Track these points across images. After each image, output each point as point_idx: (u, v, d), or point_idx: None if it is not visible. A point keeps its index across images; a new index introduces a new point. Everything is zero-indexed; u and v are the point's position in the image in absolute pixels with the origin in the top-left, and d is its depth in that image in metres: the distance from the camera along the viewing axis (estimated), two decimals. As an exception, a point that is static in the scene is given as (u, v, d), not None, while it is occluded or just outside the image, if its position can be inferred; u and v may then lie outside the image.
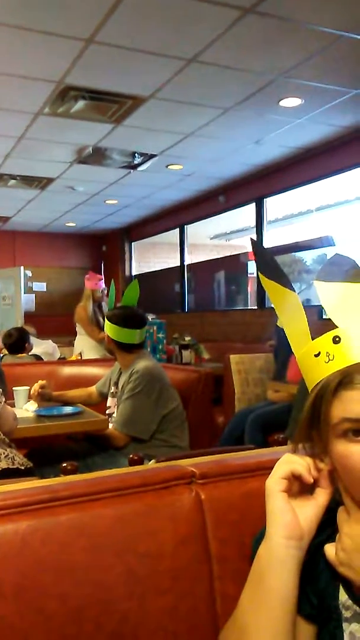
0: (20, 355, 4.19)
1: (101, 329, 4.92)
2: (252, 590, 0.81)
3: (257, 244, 0.94)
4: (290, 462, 0.81)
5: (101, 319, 4.97)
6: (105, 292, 5.06)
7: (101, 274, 5.20)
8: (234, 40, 3.10)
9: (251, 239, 0.96)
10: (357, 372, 0.75)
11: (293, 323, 0.85)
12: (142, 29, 3.01)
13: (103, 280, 5.14)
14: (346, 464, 0.76)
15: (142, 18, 2.90)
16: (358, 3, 2.78)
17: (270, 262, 0.90)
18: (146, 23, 2.95)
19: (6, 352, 4.28)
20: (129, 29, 3.01)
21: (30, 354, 4.32)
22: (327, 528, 0.82)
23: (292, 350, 0.84)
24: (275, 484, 0.80)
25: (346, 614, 0.79)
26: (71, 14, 2.85)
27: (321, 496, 0.81)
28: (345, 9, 2.83)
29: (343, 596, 0.80)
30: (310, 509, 0.81)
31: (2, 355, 4.35)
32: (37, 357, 4.36)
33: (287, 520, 0.79)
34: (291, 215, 7.26)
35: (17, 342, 4.18)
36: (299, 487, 0.81)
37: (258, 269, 0.91)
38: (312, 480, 0.80)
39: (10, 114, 4.19)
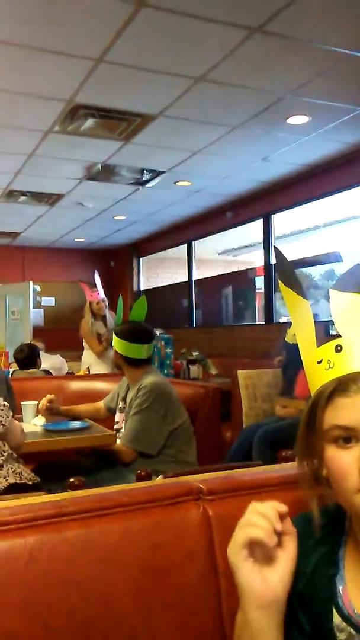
0: (30, 370, 4.21)
1: (100, 341, 4.90)
2: None
3: (279, 252, 0.96)
4: (248, 526, 0.76)
5: (101, 332, 4.93)
6: (106, 303, 5.01)
7: (99, 288, 5.03)
8: (242, 59, 3.14)
9: (275, 248, 1.02)
10: (353, 380, 0.76)
11: (303, 331, 0.87)
12: (151, 49, 3.06)
13: (99, 292, 5.02)
14: (332, 469, 0.77)
15: (151, 38, 2.95)
16: (364, 23, 2.82)
17: (290, 271, 0.92)
18: (155, 43, 3.00)
19: (16, 367, 4.30)
20: (138, 49, 3.06)
21: (40, 369, 4.34)
22: (319, 546, 0.82)
23: (302, 357, 0.85)
24: (236, 555, 0.76)
25: (340, 636, 0.78)
26: (81, 33, 2.91)
27: (290, 544, 0.78)
28: (352, 29, 2.87)
29: (337, 619, 0.79)
30: (280, 566, 0.77)
31: (11, 370, 4.37)
32: (47, 372, 4.38)
33: (257, 590, 0.75)
34: (299, 231, 7.27)
35: (28, 357, 4.20)
36: (263, 550, 0.76)
37: (280, 277, 0.94)
38: (273, 543, 0.75)
39: (21, 131, 4.26)
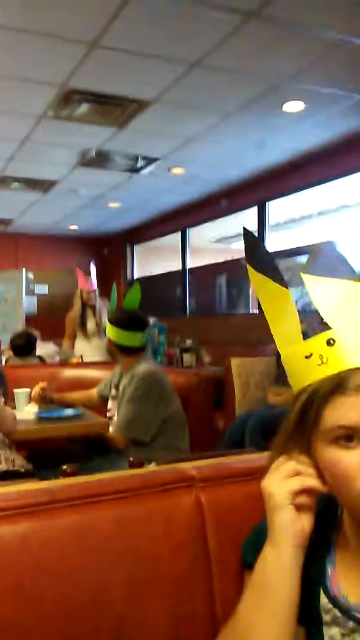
0: (27, 358, 4.19)
1: (86, 332, 4.87)
2: (257, 596, 0.80)
3: (250, 234, 0.89)
4: (302, 475, 0.78)
5: (90, 323, 4.91)
6: (97, 293, 4.98)
7: (94, 278, 5.00)
8: (238, 44, 3.11)
9: (244, 228, 0.90)
10: (351, 377, 0.73)
11: (281, 321, 0.82)
12: (146, 33, 3.02)
13: (92, 282, 4.98)
14: (335, 470, 0.75)
15: (146, 22, 2.91)
16: (361, 8, 2.79)
17: (264, 255, 0.86)
18: (150, 27, 2.96)
19: (9, 355, 4.28)
20: (133, 33, 3.02)
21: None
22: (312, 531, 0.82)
23: (280, 350, 0.81)
24: (285, 498, 0.78)
25: (326, 617, 0.79)
26: (75, 17, 2.86)
27: (314, 498, 0.81)
28: (348, 14, 2.84)
29: (324, 599, 0.80)
30: (309, 513, 0.80)
31: (4, 357, 4.35)
32: (41, 359, 4.37)
33: (298, 529, 0.78)
34: (293, 219, 7.26)
35: (26, 344, 4.19)
36: (304, 495, 0.79)
37: (248, 260, 0.86)
38: (326, 490, 0.78)
39: (14, 116, 4.20)
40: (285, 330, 0.81)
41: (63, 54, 3.26)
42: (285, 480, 0.79)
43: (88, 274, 4.99)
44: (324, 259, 0.82)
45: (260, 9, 2.76)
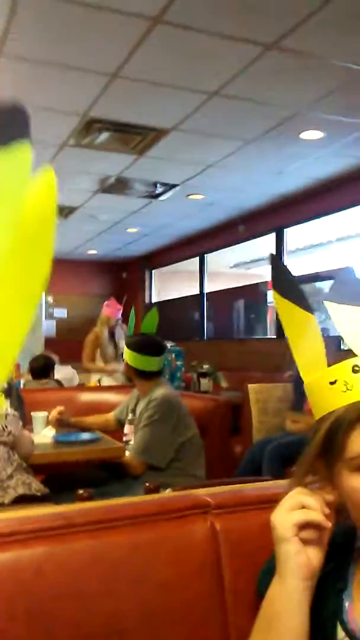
0: (44, 381, 4.22)
1: (107, 357, 4.96)
2: (265, 630, 0.79)
3: (276, 259, 0.90)
4: (306, 508, 0.78)
5: (111, 348, 4.99)
6: (120, 321, 5.09)
7: (121, 303, 5.18)
8: (256, 75, 3.17)
9: (270, 254, 0.90)
10: None
11: (306, 347, 0.82)
12: (166, 64, 3.10)
13: (121, 311, 5.15)
14: (356, 498, 0.74)
15: (165, 53, 2.98)
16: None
17: (290, 281, 0.86)
18: (170, 58, 3.04)
19: (28, 378, 4.32)
20: (153, 64, 3.10)
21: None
22: (329, 558, 0.81)
23: (303, 376, 0.81)
24: (288, 531, 0.78)
25: None
26: (97, 49, 2.95)
27: (326, 532, 0.80)
28: (365, 45, 2.88)
29: (341, 634, 0.79)
30: (317, 547, 0.79)
31: (22, 380, 4.38)
32: (59, 383, 4.39)
33: (303, 561, 0.78)
34: (311, 245, 7.27)
35: (43, 367, 4.23)
36: (309, 529, 0.79)
37: (274, 286, 0.86)
38: (329, 526, 0.78)
39: (37, 145, 4.22)
40: (309, 356, 0.81)
41: (84, 85, 3.35)
42: (289, 513, 0.78)
43: (119, 303, 5.13)
44: (346, 285, 0.82)
45: (278, 40, 2.82)
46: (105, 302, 5.29)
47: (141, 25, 2.71)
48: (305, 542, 0.78)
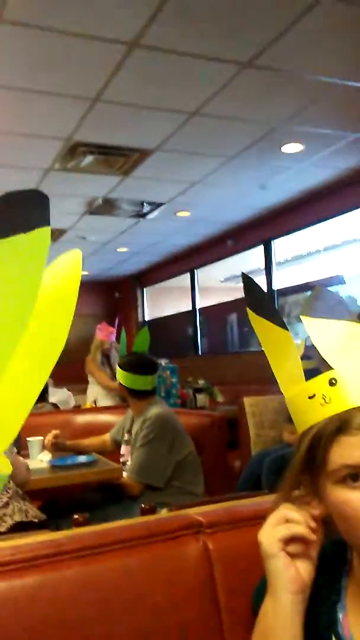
0: (39, 405, 4.20)
1: (112, 377, 4.93)
2: None
3: (248, 278, 0.89)
4: (290, 522, 0.79)
5: (109, 369, 4.99)
6: (115, 343, 5.08)
7: (114, 324, 5.17)
8: (234, 92, 3.22)
9: (242, 273, 0.90)
10: (355, 417, 0.73)
11: (283, 363, 0.82)
12: (146, 86, 3.15)
13: (115, 334, 5.13)
14: (344, 510, 0.74)
15: (145, 76, 3.03)
16: (350, 51, 2.89)
17: (262, 299, 0.86)
18: (149, 80, 3.08)
19: None
20: (133, 87, 3.14)
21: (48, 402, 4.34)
22: (322, 571, 0.81)
23: (283, 391, 0.81)
24: (274, 546, 0.79)
25: None
26: (77, 75, 2.99)
27: (314, 545, 0.80)
28: (341, 58, 2.94)
29: None
30: (306, 560, 0.79)
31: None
32: (55, 406, 4.37)
33: (292, 576, 0.78)
34: (300, 256, 7.31)
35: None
36: (296, 543, 0.79)
37: (248, 304, 0.85)
38: (314, 538, 0.78)
39: (23, 170, 4.35)
40: (287, 371, 0.81)
41: (67, 110, 3.39)
42: (274, 528, 0.79)
43: (112, 326, 5.12)
44: (321, 301, 0.83)
45: (253, 58, 2.87)
46: (98, 326, 5.29)
47: (119, 50, 2.75)
48: (292, 556, 0.79)
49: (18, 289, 0.38)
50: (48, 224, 0.38)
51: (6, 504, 1.97)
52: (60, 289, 0.41)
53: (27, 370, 0.38)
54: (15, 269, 0.37)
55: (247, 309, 0.85)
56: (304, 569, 0.79)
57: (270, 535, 0.79)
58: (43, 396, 4.24)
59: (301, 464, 0.79)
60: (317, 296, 0.84)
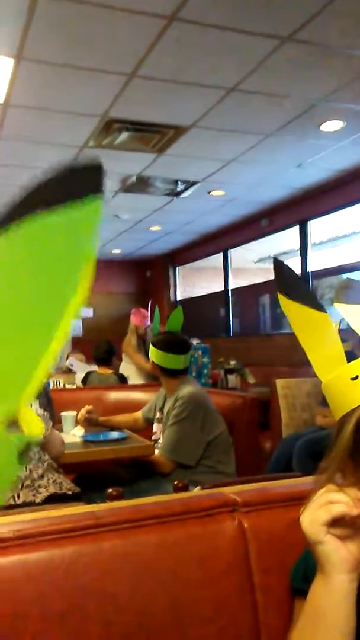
0: (107, 371, 4.29)
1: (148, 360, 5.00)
2: (312, 627, 0.79)
3: (279, 262, 0.88)
4: (331, 505, 0.77)
5: (144, 353, 5.05)
6: (150, 327, 5.12)
7: (147, 305, 5.21)
8: (273, 68, 3.14)
9: (273, 257, 0.89)
10: None
11: (319, 345, 0.81)
12: (182, 62, 3.10)
13: (149, 318, 5.17)
14: None
15: (181, 51, 2.98)
16: None
17: (296, 282, 0.85)
18: (186, 56, 3.03)
19: (57, 378, 4.39)
20: (170, 62, 3.10)
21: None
22: None
23: (319, 375, 0.80)
24: (319, 533, 0.77)
25: None
26: (114, 50, 2.96)
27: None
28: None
29: None
30: (355, 540, 0.78)
31: (51, 381, 4.46)
32: (122, 378, 4.45)
33: (342, 557, 0.77)
34: (336, 237, 7.18)
35: (105, 354, 4.32)
36: (341, 524, 0.78)
37: (279, 289, 0.85)
38: (358, 512, 0.76)
39: (57, 147, 4.35)
40: (325, 354, 0.80)
41: (103, 86, 3.37)
42: (316, 513, 0.78)
43: (146, 311, 5.17)
44: (353, 290, 0.83)
45: (294, 33, 2.79)
46: (132, 311, 5.34)
47: (157, 24, 2.71)
48: (341, 538, 0.77)
49: (72, 256, 0.38)
50: (101, 192, 0.37)
51: (41, 476, 2.02)
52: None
53: (43, 315, 0.38)
54: (72, 235, 0.37)
55: (279, 293, 0.84)
56: (354, 547, 0.77)
57: (314, 521, 0.78)
58: (110, 360, 4.32)
59: (348, 448, 0.77)
60: (349, 286, 0.83)
